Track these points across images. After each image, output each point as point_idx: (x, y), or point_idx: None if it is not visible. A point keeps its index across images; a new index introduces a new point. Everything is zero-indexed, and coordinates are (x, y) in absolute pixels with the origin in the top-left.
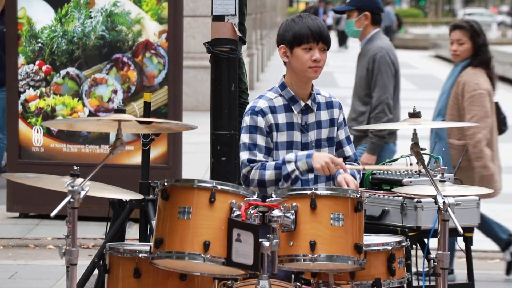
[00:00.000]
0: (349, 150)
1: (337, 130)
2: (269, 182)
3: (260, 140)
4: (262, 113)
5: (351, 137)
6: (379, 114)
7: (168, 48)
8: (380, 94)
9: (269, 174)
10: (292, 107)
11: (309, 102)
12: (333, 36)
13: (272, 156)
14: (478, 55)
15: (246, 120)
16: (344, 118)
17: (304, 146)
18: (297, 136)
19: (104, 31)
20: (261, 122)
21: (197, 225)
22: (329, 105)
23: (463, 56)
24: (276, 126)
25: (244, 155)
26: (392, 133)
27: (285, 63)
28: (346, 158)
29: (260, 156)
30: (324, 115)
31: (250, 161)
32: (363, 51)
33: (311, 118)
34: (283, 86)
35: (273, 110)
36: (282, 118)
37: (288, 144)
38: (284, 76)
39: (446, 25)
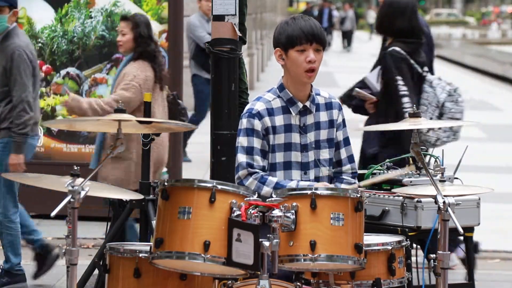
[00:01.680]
0: (344, 152)
1: (336, 131)
2: (263, 196)
3: (257, 143)
4: (259, 116)
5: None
6: (20, 113)
7: (168, 48)
8: (20, 93)
9: (267, 190)
10: (290, 109)
11: (307, 104)
12: (338, 37)
13: (268, 158)
14: (139, 46)
15: (243, 123)
16: (343, 119)
17: (303, 147)
18: (295, 137)
19: (104, 31)
20: (257, 125)
21: (197, 225)
22: (329, 106)
23: (125, 46)
24: (273, 129)
25: (241, 158)
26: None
27: (282, 65)
28: (339, 162)
29: (257, 160)
30: (323, 116)
31: (249, 164)
32: (0, 48)
33: (309, 119)
34: (281, 87)
35: (270, 112)
36: (279, 120)
37: (286, 146)
38: (282, 77)
39: (447, 25)
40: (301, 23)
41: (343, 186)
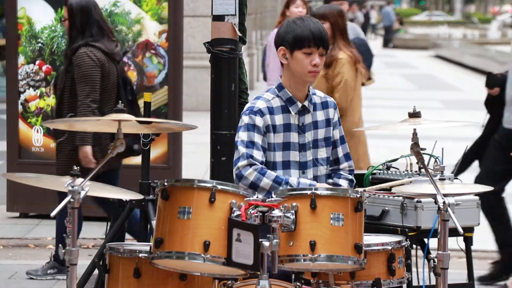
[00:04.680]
0: (341, 150)
1: (333, 130)
2: (261, 188)
3: (258, 138)
4: (261, 113)
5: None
6: None
7: (168, 48)
8: None
9: (266, 183)
10: (290, 108)
11: (306, 103)
12: None
13: (266, 156)
14: None
15: (244, 119)
16: (339, 118)
17: (302, 146)
18: (294, 137)
19: None
20: (259, 121)
21: (197, 225)
22: (325, 105)
23: None
24: (273, 127)
25: (243, 149)
26: None
27: (282, 64)
28: (337, 160)
29: (258, 154)
30: (320, 115)
31: (250, 156)
32: None
33: (307, 118)
34: (280, 87)
35: (271, 111)
36: (279, 119)
37: (285, 145)
38: (281, 77)
39: (447, 25)
40: (311, 25)
41: (341, 181)
